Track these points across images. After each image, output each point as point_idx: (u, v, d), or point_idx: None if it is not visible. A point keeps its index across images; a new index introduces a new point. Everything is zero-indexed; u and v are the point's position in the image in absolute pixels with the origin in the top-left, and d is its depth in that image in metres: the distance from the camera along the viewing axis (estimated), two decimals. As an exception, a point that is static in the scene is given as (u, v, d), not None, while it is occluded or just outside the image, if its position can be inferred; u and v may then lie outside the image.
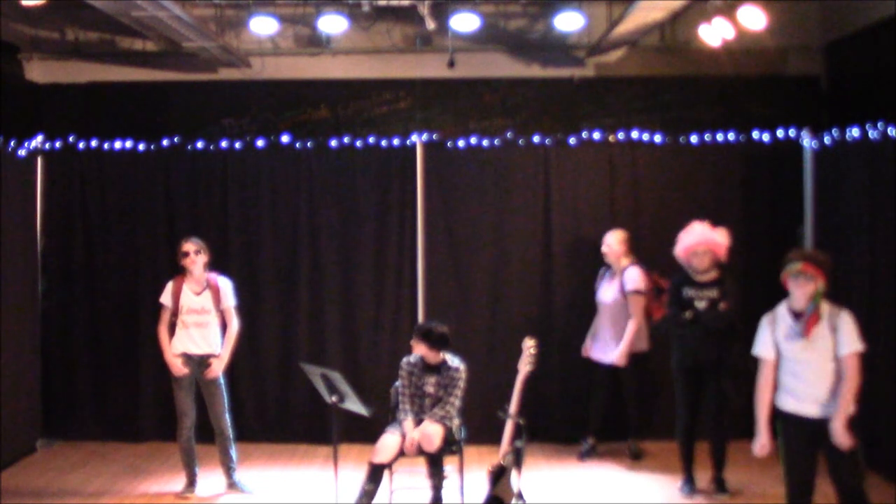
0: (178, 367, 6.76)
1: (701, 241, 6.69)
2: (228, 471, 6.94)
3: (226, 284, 6.95)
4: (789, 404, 5.08)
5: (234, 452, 6.93)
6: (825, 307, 5.00)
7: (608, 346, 7.65)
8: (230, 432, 6.89)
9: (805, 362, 5.01)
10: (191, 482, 6.92)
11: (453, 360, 6.24)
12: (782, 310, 5.14)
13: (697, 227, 6.76)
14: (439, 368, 6.20)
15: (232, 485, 6.94)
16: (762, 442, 5.16)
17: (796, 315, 5.05)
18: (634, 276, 7.56)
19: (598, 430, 7.81)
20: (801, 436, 5.05)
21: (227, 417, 6.89)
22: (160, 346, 6.87)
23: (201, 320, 6.82)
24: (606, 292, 7.69)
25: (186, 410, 6.82)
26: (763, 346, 5.18)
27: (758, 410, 5.19)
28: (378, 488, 5.97)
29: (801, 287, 5.00)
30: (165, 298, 6.86)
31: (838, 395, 4.93)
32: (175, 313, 6.82)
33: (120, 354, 8.33)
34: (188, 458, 6.89)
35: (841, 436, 4.89)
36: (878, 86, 8.29)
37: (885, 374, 6.64)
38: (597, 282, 7.84)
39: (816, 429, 4.98)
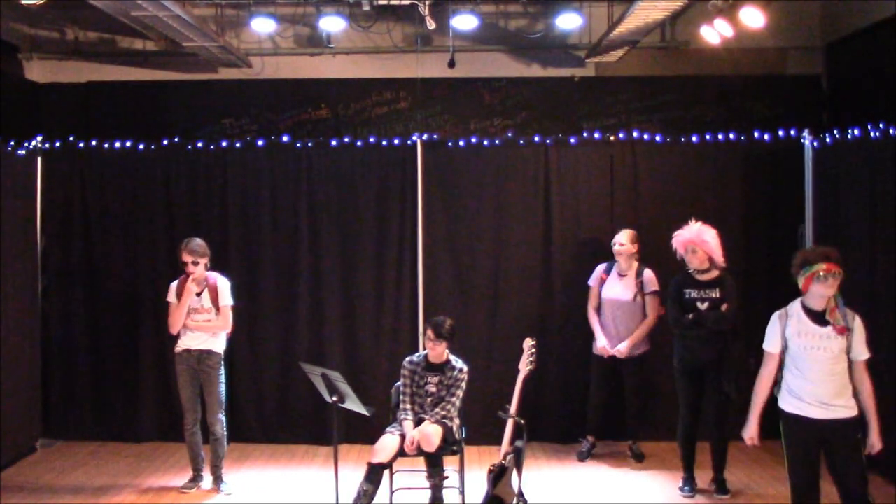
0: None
1: (691, 238, 6.71)
2: (215, 470, 6.95)
3: (224, 284, 6.97)
4: (792, 406, 5.03)
5: (223, 452, 6.93)
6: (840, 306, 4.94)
7: (614, 342, 7.63)
8: (224, 432, 6.90)
9: (813, 361, 4.94)
10: (195, 477, 6.97)
11: (457, 361, 6.23)
12: (796, 307, 5.06)
13: (695, 225, 6.78)
14: (442, 368, 6.20)
15: (217, 484, 6.94)
16: (751, 433, 5.20)
17: (811, 313, 4.98)
18: (653, 278, 7.59)
19: (597, 430, 7.81)
20: (803, 438, 5.01)
21: (223, 418, 6.89)
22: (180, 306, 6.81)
23: (203, 319, 6.85)
24: (620, 290, 7.63)
25: (188, 406, 6.86)
26: (771, 341, 5.11)
27: (753, 400, 5.18)
28: (377, 489, 5.96)
29: (831, 287, 4.90)
30: (172, 298, 6.86)
31: (846, 398, 4.92)
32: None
33: (120, 354, 8.32)
34: (192, 454, 6.95)
35: (878, 445, 4.91)
36: (878, 86, 8.30)
37: (884, 374, 6.62)
38: (593, 277, 7.78)
39: (819, 430, 4.95)
